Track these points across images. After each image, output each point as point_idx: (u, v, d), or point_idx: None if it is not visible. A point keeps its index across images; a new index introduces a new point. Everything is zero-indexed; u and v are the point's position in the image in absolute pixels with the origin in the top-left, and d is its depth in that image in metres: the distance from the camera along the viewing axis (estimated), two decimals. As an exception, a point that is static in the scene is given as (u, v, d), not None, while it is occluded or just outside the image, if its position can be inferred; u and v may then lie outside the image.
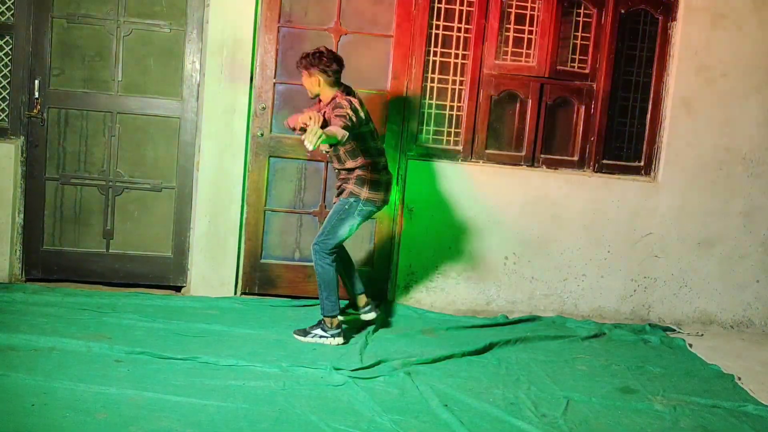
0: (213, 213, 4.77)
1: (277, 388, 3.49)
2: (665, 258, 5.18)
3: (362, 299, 4.40)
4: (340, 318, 4.23)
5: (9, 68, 4.61)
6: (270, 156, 4.83)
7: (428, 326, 4.63)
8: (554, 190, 5.03)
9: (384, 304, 4.89)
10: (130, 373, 3.51)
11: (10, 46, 4.60)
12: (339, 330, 4.17)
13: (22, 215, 4.70)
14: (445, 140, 5.01)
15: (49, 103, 4.65)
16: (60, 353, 3.66)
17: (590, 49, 5.03)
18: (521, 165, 5.06)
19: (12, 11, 4.58)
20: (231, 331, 4.19)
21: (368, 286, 4.94)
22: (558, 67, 5.00)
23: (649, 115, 5.15)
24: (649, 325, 5.04)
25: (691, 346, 4.75)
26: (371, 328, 4.44)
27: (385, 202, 4.25)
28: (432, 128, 4.99)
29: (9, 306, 4.24)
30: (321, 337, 4.16)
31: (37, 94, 4.62)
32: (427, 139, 4.99)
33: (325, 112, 4.11)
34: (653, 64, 5.11)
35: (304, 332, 4.20)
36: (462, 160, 4.99)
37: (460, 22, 4.92)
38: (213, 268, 4.80)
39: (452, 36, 4.93)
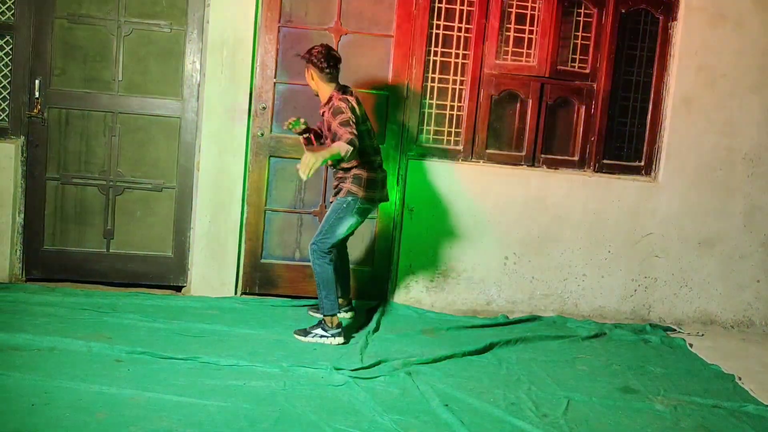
0: (213, 213, 4.77)
1: (277, 388, 3.49)
2: (666, 258, 5.18)
3: (341, 301, 4.49)
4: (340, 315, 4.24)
5: (9, 68, 4.61)
6: (270, 156, 4.83)
7: (429, 326, 4.63)
8: (554, 190, 5.03)
9: (384, 304, 4.89)
10: (131, 373, 3.51)
11: (11, 46, 4.60)
12: (339, 329, 4.17)
13: (22, 215, 4.70)
14: (445, 140, 5.01)
15: (49, 103, 4.65)
16: (60, 353, 3.66)
17: (591, 49, 5.03)
18: (522, 165, 5.06)
19: (13, 11, 4.58)
20: (231, 331, 4.19)
21: (368, 286, 4.96)
22: (558, 67, 5.00)
23: (649, 115, 5.15)
24: (650, 325, 5.04)
25: (691, 346, 4.76)
26: (372, 327, 4.44)
27: (382, 199, 4.29)
28: (432, 128, 4.99)
29: (10, 306, 4.24)
30: (321, 336, 4.16)
31: (37, 94, 4.62)
32: (427, 139, 4.99)
33: (324, 113, 4.14)
34: (654, 64, 5.12)
35: (305, 332, 4.20)
36: (462, 160, 4.99)
37: (460, 21, 4.92)
38: (213, 268, 4.80)
39: (453, 36, 4.93)
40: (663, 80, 5.12)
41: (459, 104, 4.98)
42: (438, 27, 4.90)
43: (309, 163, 3.67)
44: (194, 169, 4.79)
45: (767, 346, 4.99)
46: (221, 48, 4.66)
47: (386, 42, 4.84)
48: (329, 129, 4.07)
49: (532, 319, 4.96)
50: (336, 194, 4.22)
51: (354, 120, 3.96)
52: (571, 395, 3.75)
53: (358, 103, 4.14)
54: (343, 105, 4.01)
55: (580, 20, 5.03)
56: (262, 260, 4.90)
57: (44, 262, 4.76)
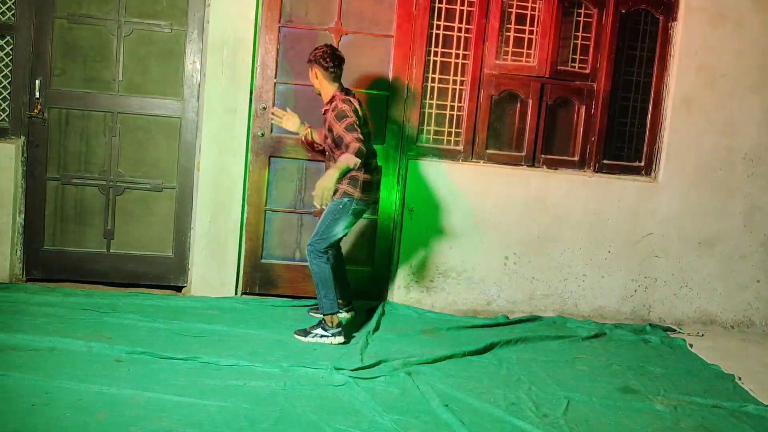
0: (214, 213, 4.77)
1: (277, 388, 3.49)
2: (666, 258, 5.18)
3: (340, 301, 4.49)
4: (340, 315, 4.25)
5: (10, 68, 4.61)
6: (270, 156, 4.83)
7: (429, 326, 4.63)
8: (555, 190, 5.03)
9: (384, 303, 4.89)
10: (131, 373, 3.51)
11: (11, 46, 4.60)
12: (340, 329, 4.18)
13: (22, 215, 4.70)
14: (445, 140, 5.01)
15: (50, 103, 4.65)
16: (61, 353, 3.66)
17: (591, 49, 5.03)
18: (522, 165, 5.06)
19: (13, 11, 4.58)
20: (232, 331, 4.19)
21: (368, 286, 4.96)
22: (558, 67, 5.00)
23: (649, 115, 5.15)
24: (650, 325, 5.04)
25: (691, 346, 4.76)
26: (372, 327, 4.44)
27: (375, 201, 4.50)
28: (432, 128, 4.99)
29: (10, 306, 4.24)
30: (322, 336, 4.16)
31: (38, 94, 4.62)
32: (427, 139, 4.99)
33: (326, 111, 4.16)
34: (654, 64, 5.12)
35: (305, 332, 4.20)
36: (462, 160, 4.99)
37: (460, 22, 4.92)
38: (214, 268, 4.80)
39: (453, 36, 4.93)
40: (663, 80, 5.12)
41: (459, 104, 4.98)
42: (438, 27, 4.90)
43: (323, 189, 3.88)
44: (194, 169, 4.79)
45: (767, 346, 4.99)
46: (221, 48, 4.66)
47: (386, 42, 4.84)
48: (329, 129, 4.09)
49: (533, 319, 4.96)
50: (332, 195, 4.23)
51: (357, 123, 4.02)
52: (571, 395, 3.75)
53: (360, 105, 4.20)
54: (346, 107, 4.05)
55: (580, 20, 5.03)
56: (263, 260, 4.90)
57: (44, 262, 4.76)
